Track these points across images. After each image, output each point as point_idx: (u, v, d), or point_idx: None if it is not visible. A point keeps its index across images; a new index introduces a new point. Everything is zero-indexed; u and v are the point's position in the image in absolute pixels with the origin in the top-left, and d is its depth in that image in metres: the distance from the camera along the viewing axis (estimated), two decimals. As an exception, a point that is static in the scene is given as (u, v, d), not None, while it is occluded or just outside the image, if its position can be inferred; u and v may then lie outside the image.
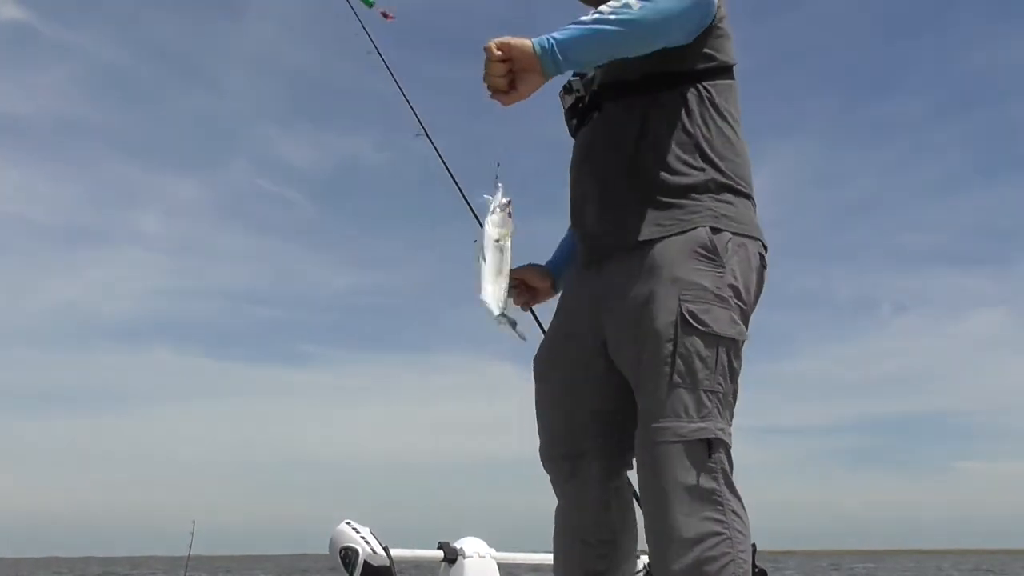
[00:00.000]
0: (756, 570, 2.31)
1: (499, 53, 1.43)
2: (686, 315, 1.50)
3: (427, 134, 2.67)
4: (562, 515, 1.73)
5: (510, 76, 1.45)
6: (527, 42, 1.43)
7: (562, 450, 1.70)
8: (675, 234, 1.55)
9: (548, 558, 2.62)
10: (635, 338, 1.54)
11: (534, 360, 1.79)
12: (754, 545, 2.35)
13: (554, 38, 1.44)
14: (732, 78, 1.66)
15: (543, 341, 1.80)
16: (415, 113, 2.70)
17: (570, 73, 1.69)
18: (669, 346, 1.49)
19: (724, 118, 1.63)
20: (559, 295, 1.86)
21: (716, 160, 1.60)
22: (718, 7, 1.58)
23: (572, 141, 1.78)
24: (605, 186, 1.64)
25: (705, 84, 1.62)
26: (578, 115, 1.73)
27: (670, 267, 1.53)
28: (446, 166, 2.62)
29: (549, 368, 1.75)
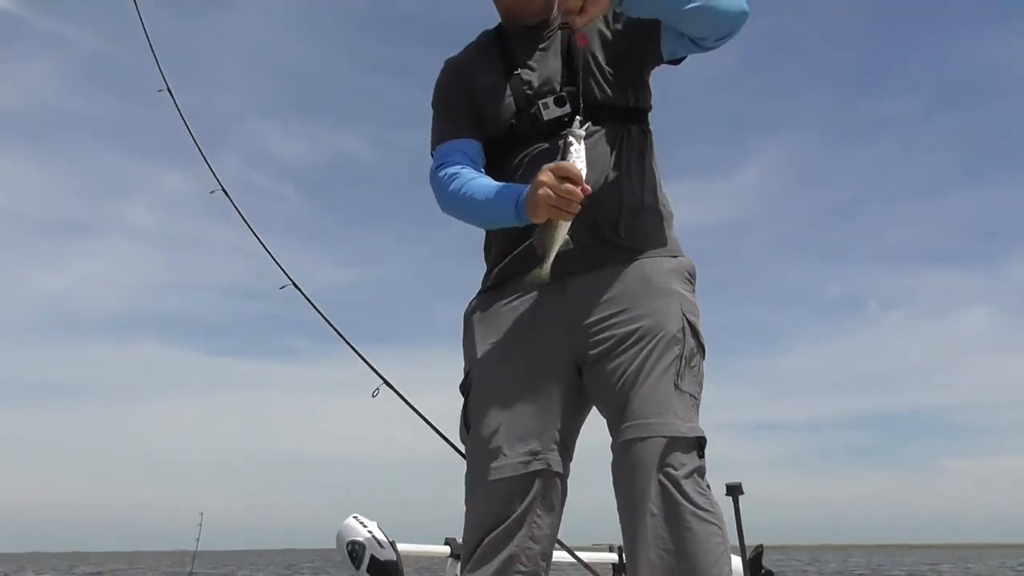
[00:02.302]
0: (764, 571, 2.34)
1: None
2: (691, 323, 1.63)
3: (169, 90, 2.87)
4: (503, 541, 1.59)
5: (583, 1, 1.51)
6: None
7: (524, 467, 1.60)
8: (664, 256, 1.68)
9: (558, 555, 2.63)
10: (640, 342, 1.59)
11: (474, 382, 1.70)
12: (762, 546, 2.38)
13: None
14: None
15: (483, 358, 1.69)
16: (159, 67, 2.86)
17: (557, 83, 1.70)
18: (677, 349, 1.60)
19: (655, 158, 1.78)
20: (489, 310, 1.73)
21: (666, 196, 1.77)
22: None
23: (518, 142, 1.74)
24: (598, 207, 1.63)
25: (649, 126, 1.78)
26: (551, 128, 1.69)
27: (664, 281, 1.65)
28: (186, 123, 2.85)
29: (504, 384, 1.66)
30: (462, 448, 1.73)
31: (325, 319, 2.78)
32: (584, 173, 1.50)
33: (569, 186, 1.47)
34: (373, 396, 2.56)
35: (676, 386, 1.57)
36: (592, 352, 1.62)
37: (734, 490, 2.29)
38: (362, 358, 2.71)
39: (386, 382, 2.62)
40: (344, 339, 2.75)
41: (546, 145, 1.68)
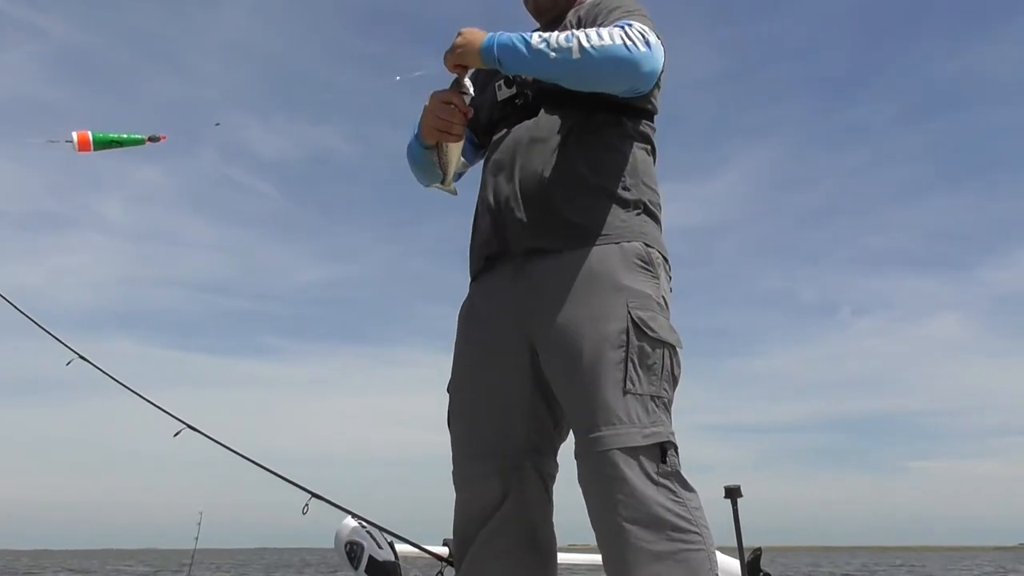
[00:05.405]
0: (762, 573, 2.35)
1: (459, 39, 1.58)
2: (636, 322, 1.52)
3: None
4: (496, 535, 1.61)
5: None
6: (476, 43, 1.57)
7: (495, 465, 1.62)
8: (613, 243, 1.59)
9: (563, 557, 2.63)
10: (581, 345, 1.52)
11: (451, 380, 1.73)
12: (760, 549, 2.39)
13: (501, 51, 1.55)
14: (656, 113, 1.76)
15: (456, 356, 1.74)
16: None
17: None
18: (620, 352, 1.50)
19: (648, 151, 1.72)
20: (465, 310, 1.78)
21: (642, 185, 1.67)
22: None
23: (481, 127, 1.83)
24: (540, 187, 1.62)
25: (637, 117, 1.71)
26: (510, 111, 1.74)
27: (612, 274, 1.56)
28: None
29: (470, 381, 1.68)
30: (305, 484, 1.78)
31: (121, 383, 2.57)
32: (470, 96, 1.62)
33: (446, 107, 1.60)
34: (175, 435, 2.46)
35: (627, 391, 1.48)
36: (537, 348, 1.59)
37: (732, 492, 2.30)
38: (162, 409, 2.54)
39: (189, 426, 2.52)
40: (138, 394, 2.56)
41: (505, 130, 1.72)
